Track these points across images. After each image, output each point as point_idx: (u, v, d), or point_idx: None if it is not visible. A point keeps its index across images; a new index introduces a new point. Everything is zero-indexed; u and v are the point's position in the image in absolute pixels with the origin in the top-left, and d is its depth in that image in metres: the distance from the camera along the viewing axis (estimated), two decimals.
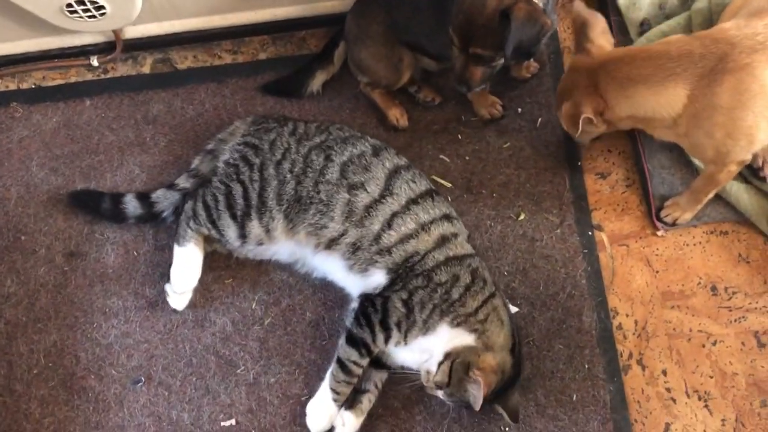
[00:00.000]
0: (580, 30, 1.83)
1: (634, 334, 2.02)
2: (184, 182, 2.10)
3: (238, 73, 2.30)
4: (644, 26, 2.23)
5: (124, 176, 2.23)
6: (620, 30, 2.27)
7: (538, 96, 2.24)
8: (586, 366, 1.98)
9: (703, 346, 2.00)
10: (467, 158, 2.16)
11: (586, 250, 2.09)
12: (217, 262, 2.11)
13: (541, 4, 1.75)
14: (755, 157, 2.05)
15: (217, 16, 2.27)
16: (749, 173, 2.08)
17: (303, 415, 1.92)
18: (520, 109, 2.23)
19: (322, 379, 1.93)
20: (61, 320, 2.08)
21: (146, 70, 2.36)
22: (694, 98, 1.62)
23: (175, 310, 2.06)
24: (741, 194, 2.06)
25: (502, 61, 1.83)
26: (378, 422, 1.94)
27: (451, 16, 1.79)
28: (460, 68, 1.87)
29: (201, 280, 2.04)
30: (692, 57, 1.64)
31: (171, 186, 2.11)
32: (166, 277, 2.05)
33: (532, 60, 2.21)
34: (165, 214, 2.11)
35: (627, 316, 2.04)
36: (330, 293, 2.07)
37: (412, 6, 2.03)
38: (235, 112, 2.27)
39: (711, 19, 2.07)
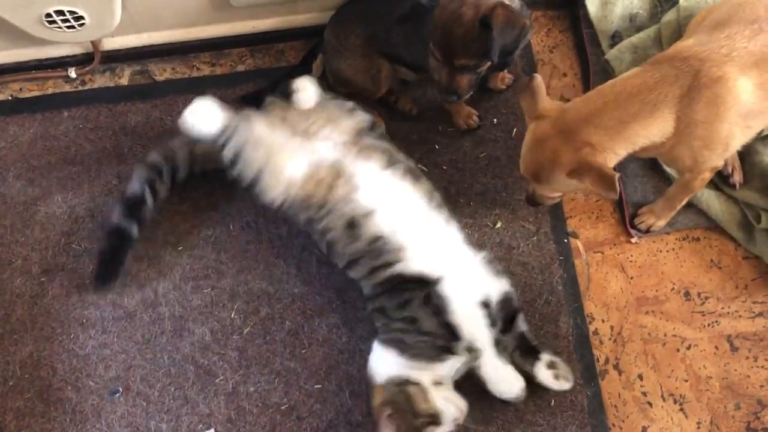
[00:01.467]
0: (529, 99, 1.76)
1: (610, 339, 2.05)
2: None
3: (216, 85, 2.30)
4: (616, 39, 2.28)
5: (102, 187, 2.22)
6: (592, 42, 2.31)
7: (513, 107, 2.27)
8: None
9: (678, 350, 2.03)
10: (444, 167, 2.19)
11: (562, 257, 2.12)
12: (195, 271, 2.11)
13: (515, 5, 1.80)
14: (725, 164, 2.10)
15: (195, 28, 2.28)
16: (720, 180, 2.13)
17: (283, 424, 1.93)
18: (495, 120, 2.26)
19: (301, 387, 1.95)
20: (37, 331, 2.07)
21: (124, 81, 2.37)
22: (680, 119, 1.64)
23: (153, 321, 2.06)
24: (712, 201, 2.11)
25: (487, 65, 1.85)
26: None
27: (428, 31, 1.82)
28: (446, 79, 1.88)
29: (180, 289, 2.04)
30: (669, 81, 1.65)
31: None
32: (144, 287, 2.08)
33: (506, 71, 2.26)
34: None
35: (603, 321, 2.07)
36: (309, 302, 2.08)
37: (389, 17, 2.05)
38: None
39: (679, 31, 2.12)
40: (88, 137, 2.29)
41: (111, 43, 2.30)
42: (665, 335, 2.05)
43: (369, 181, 1.83)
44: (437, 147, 2.22)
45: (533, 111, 1.75)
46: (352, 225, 1.82)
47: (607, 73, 2.25)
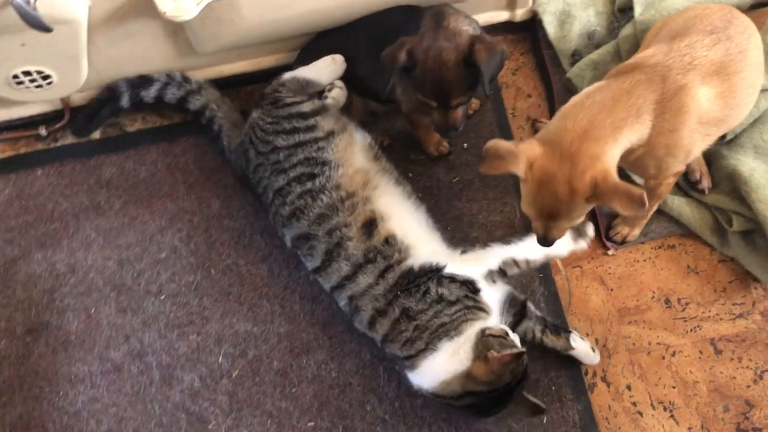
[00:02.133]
0: (499, 162, 1.63)
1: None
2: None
3: (188, 132, 2.33)
4: (575, 56, 2.33)
5: (81, 241, 2.23)
6: (553, 62, 2.36)
7: (481, 131, 2.31)
8: (553, 388, 2.01)
9: (663, 357, 2.06)
10: (419, 195, 2.19)
11: (541, 275, 2.14)
12: (180, 318, 2.12)
13: (479, 32, 1.87)
14: (693, 170, 2.14)
15: None
16: (688, 187, 2.17)
17: None
18: (465, 145, 2.29)
19: (294, 426, 1.96)
20: (26, 392, 2.06)
21: (96, 135, 2.38)
22: (653, 126, 1.66)
23: (141, 372, 2.06)
24: (683, 208, 2.15)
25: (475, 91, 1.92)
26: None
27: (414, 85, 1.88)
28: (443, 119, 1.94)
29: (165, 338, 2.06)
30: (644, 85, 1.67)
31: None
32: (129, 339, 2.07)
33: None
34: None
35: (587, 335, 2.09)
36: (296, 340, 2.09)
37: (354, 51, 2.10)
38: (188, 170, 2.30)
39: (637, 44, 2.16)
40: (64, 193, 2.30)
41: (80, 98, 2.32)
42: (649, 344, 2.07)
43: (387, 188, 1.99)
44: (411, 175, 2.25)
45: (515, 165, 1.61)
46: (370, 224, 1.90)
47: (570, 91, 2.29)
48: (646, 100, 1.65)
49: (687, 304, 2.11)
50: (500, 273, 1.93)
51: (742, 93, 1.76)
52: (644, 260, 2.16)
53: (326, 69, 2.11)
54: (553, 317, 2.08)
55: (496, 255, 1.93)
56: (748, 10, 2.21)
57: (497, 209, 2.22)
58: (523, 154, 1.60)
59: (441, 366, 1.81)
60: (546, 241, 1.76)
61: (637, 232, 2.15)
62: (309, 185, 1.95)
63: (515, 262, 1.94)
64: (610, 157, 1.62)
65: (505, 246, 1.96)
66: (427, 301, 1.85)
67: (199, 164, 2.31)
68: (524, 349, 1.74)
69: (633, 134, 1.65)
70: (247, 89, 2.41)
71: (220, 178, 2.28)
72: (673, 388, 2.02)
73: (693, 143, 1.75)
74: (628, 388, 2.03)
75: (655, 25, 2.01)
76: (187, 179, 2.29)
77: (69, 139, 2.38)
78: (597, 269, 2.16)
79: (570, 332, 1.99)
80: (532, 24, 2.42)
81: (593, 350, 2.01)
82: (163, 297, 2.15)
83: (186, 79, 2.27)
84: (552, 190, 1.60)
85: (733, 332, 2.07)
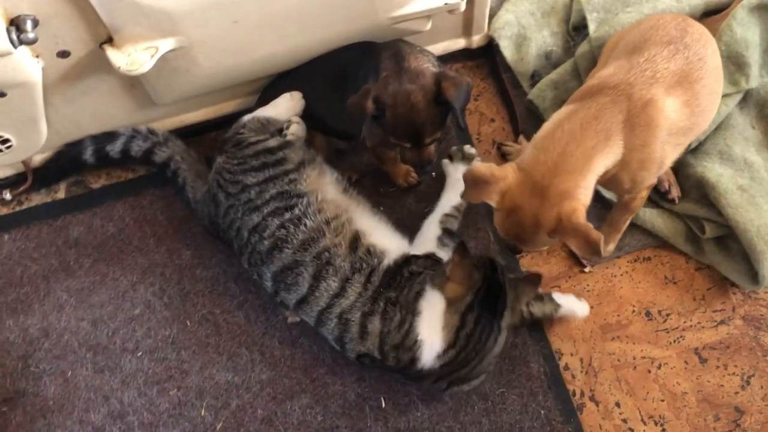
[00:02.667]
0: (480, 188, 1.69)
1: (581, 371, 2.05)
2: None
3: (153, 184, 2.30)
4: (535, 78, 2.34)
5: (53, 304, 2.19)
6: (514, 85, 2.37)
7: None
8: (542, 411, 1.99)
9: (649, 371, 2.04)
10: (392, 226, 2.19)
11: None
12: (158, 374, 2.08)
13: (439, 68, 1.89)
14: (661, 181, 2.15)
15: None
16: (658, 198, 2.18)
17: None
18: (434, 174, 2.29)
19: None
20: None
21: (61, 195, 2.35)
22: (625, 144, 1.67)
23: None
24: (655, 219, 2.15)
25: (445, 126, 1.95)
26: None
27: (386, 129, 1.89)
28: (416, 157, 1.96)
29: (145, 395, 2.02)
30: (609, 107, 1.67)
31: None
32: (109, 399, 2.02)
33: None
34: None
35: (572, 355, 2.07)
36: (278, 386, 2.05)
37: (312, 91, 2.10)
38: (156, 222, 2.28)
39: (594, 61, 2.18)
40: (32, 256, 2.26)
41: (42, 159, 2.29)
42: (634, 358, 2.06)
43: (362, 209, 2.05)
44: (382, 208, 2.23)
45: (489, 195, 1.67)
46: (356, 239, 1.95)
47: (532, 112, 2.30)
48: (613, 122, 1.66)
49: (668, 315, 2.10)
50: (446, 233, 2.05)
51: (705, 99, 1.78)
52: (621, 275, 2.16)
53: (284, 106, 2.12)
54: (535, 339, 2.07)
55: (432, 223, 2.09)
56: (701, 18, 2.23)
57: (471, 235, 2.21)
58: (497, 185, 1.66)
59: (431, 319, 1.83)
60: (511, 250, 1.94)
61: (611, 247, 2.14)
62: (288, 215, 1.94)
63: (448, 216, 2.10)
64: (583, 190, 1.65)
65: (432, 214, 2.12)
66: (403, 283, 1.90)
67: (167, 215, 2.29)
68: (459, 240, 1.87)
69: (606, 159, 1.67)
70: (210, 136, 2.39)
71: (190, 227, 2.26)
72: (662, 401, 2.00)
73: (665, 155, 1.77)
74: (617, 405, 2.01)
75: (611, 40, 2.03)
76: (156, 231, 2.27)
77: (34, 201, 2.34)
78: (575, 288, 2.15)
79: (549, 294, 2.07)
80: (490, 49, 2.43)
81: (579, 299, 2.08)
82: (140, 354, 2.11)
83: (152, 131, 2.26)
84: (519, 220, 1.66)
85: (717, 339, 2.07)
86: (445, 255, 1.99)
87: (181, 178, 2.20)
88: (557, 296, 2.06)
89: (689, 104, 1.74)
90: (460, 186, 1.95)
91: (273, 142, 2.04)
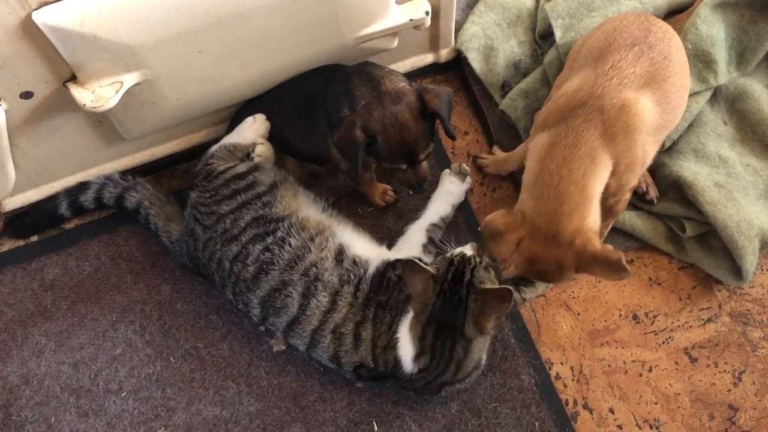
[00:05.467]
0: (494, 236, 1.72)
1: (573, 380, 2.03)
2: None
3: (128, 220, 2.26)
4: (505, 88, 2.34)
5: (32, 349, 2.14)
6: (485, 96, 2.37)
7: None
8: (536, 423, 1.97)
9: (641, 375, 2.03)
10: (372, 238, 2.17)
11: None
12: (144, 414, 2.03)
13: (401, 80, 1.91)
14: (639, 183, 2.14)
15: (95, 169, 2.25)
16: (637, 199, 2.18)
17: None
18: (410, 192, 2.27)
19: None
20: None
21: (34, 237, 2.30)
22: (612, 154, 1.68)
23: None
24: (635, 221, 2.15)
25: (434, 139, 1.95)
26: None
27: (379, 155, 1.88)
28: (412, 177, 1.96)
29: None
30: (584, 129, 1.67)
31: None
32: None
33: None
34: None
35: (562, 364, 2.05)
36: (267, 417, 2.01)
37: (282, 116, 2.08)
38: (133, 258, 2.24)
39: (563, 66, 2.18)
40: (8, 302, 2.21)
41: (12, 203, 2.25)
42: (625, 363, 2.04)
43: (343, 225, 2.05)
44: (362, 230, 2.21)
45: (508, 243, 1.70)
46: (341, 252, 1.95)
47: (505, 122, 2.30)
48: (593, 141, 1.67)
49: (655, 316, 2.09)
50: (431, 242, 2.08)
51: (675, 96, 1.79)
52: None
53: (248, 129, 2.11)
54: (524, 350, 2.05)
55: (418, 230, 2.11)
56: (665, 17, 2.24)
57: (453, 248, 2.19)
58: (511, 235, 1.69)
59: (409, 323, 1.84)
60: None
61: None
62: (270, 239, 1.92)
63: (435, 226, 2.11)
64: (591, 222, 1.67)
65: (419, 220, 2.14)
66: (391, 286, 1.91)
67: (143, 251, 2.25)
68: (409, 259, 1.80)
69: (600, 177, 1.68)
70: (182, 167, 2.36)
71: (167, 261, 2.22)
72: (656, 404, 1.99)
73: (647, 154, 1.78)
74: (611, 411, 1.99)
75: (576, 44, 2.04)
76: (133, 268, 2.23)
77: (6, 246, 2.29)
78: (560, 295, 2.13)
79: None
80: (458, 62, 2.42)
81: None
82: (124, 394, 2.07)
83: (122, 177, 2.23)
84: (542, 268, 1.70)
85: (705, 338, 2.06)
86: (428, 260, 2.00)
87: (152, 225, 2.17)
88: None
89: (660, 103, 1.74)
90: (451, 198, 2.17)
91: (242, 168, 2.02)
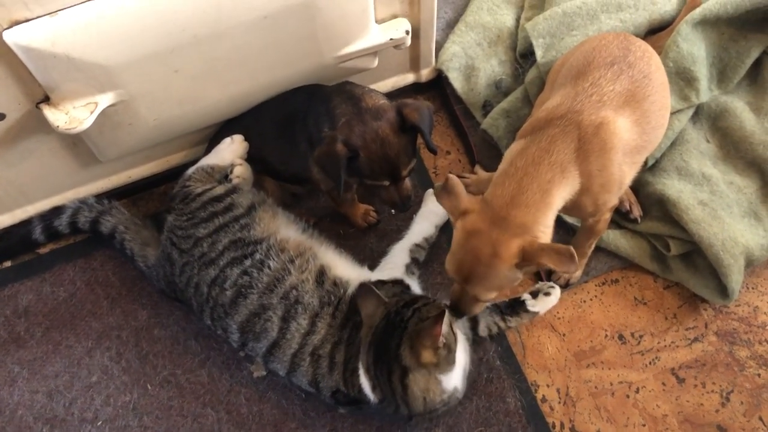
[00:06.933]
0: (450, 199, 1.67)
1: (559, 402, 1.99)
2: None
3: (103, 244, 2.21)
4: (487, 107, 2.32)
5: (4, 378, 2.08)
6: (466, 116, 2.35)
7: None
8: None
9: (627, 396, 1.99)
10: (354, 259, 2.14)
11: None
12: None
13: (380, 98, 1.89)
14: (622, 201, 2.13)
15: (70, 192, 2.21)
16: (621, 218, 2.16)
17: None
18: (393, 211, 2.24)
19: None
20: None
21: (7, 263, 2.25)
22: (582, 173, 1.65)
23: None
24: (619, 240, 2.12)
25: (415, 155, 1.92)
26: None
27: (361, 173, 1.85)
28: (396, 194, 1.93)
29: None
30: (560, 139, 1.65)
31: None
32: None
33: None
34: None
35: (548, 386, 2.02)
36: None
37: (261, 137, 2.05)
38: (109, 283, 2.19)
39: (543, 86, 2.17)
40: None
41: None
42: (611, 384, 2.01)
43: (325, 247, 2.00)
44: (343, 251, 2.17)
45: (456, 209, 1.65)
46: (321, 274, 1.90)
47: (487, 142, 2.28)
48: (566, 153, 1.64)
49: (641, 336, 2.07)
50: (414, 263, 2.04)
51: (655, 116, 1.76)
52: (591, 299, 2.12)
53: (226, 150, 2.08)
54: (510, 373, 2.01)
55: (401, 250, 2.06)
56: (645, 36, 2.24)
57: (436, 270, 2.16)
58: (463, 204, 1.64)
59: None
60: (458, 309, 1.75)
61: (578, 273, 2.11)
62: (248, 262, 1.88)
63: (418, 246, 2.07)
64: (542, 227, 1.62)
65: (402, 240, 2.09)
66: None
67: (119, 276, 2.21)
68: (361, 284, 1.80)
69: (564, 191, 1.64)
70: (159, 190, 2.32)
71: (144, 286, 2.17)
72: (644, 425, 1.95)
73: (624, 174, 1.74)
74: None
75: (556, 63, 2.03)
76: (109, 293, 2.18)
77: None
78: (546, 316, 2.10)
79: (523, 302, 2.04)
80: (439, 82, 2.41)
81: (549, 291, 2.04)
82: (100, 423, 2.01)
83: (98, 201, 2.19)
84: (476, 245, 1.60)
85: (692, 358, 2.03)
86: (412, 282, 1.97)
87: (128, 249, 2.13)
88: (531, 304, 2.02)
89: (639, 123, 1.72)
90: (434, 218, 2.12)
91: (219, 190, 1.99)
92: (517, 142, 1.74)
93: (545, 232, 1.62)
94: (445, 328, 1.60)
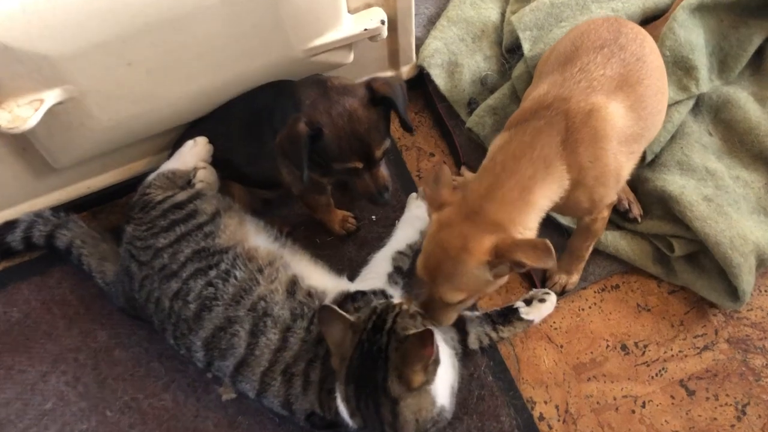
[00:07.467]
0: (434, 188, 1.55)
1: (558, 420, 1.82)
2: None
3: (60, 260, 2.05)
4: (472, 105, 2.18)
5: None
6: (450, 115, 2.21)
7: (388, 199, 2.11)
8: None
9: (633, 411, 1.82)
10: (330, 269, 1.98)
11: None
12: None
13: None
14: (620, 200, 1.98)
15: (22, 205, 2.04)
16: (619, 219, 2.01)
17: None
18: (374, 217, 2.11)
19: None
20: None
21: None
22: (570, 166, 1.50)
23: None
24: (618, 242, 1.97)
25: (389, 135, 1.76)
26: None
27: (328, 155, 1.69)
28: (371, 182, 1.75)
29: None
30: (544, 132, 1.51)
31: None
32: None
33: None
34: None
35: (546, 403, 1.85)
36: None
37: (227, 139, 1.91)
38: (66, 302, 2.03)
39: (531, 81, 2.03)
40: None
41: None
42: (615, 399, 1.84)
43: (299, 256, 1.85)
44: (320, 260, 2.00)
45: (436, 201, 1.53)
46: (293, 284, 1.74)
47: (473, 141, 2.14)
48: (551, 147, 1.50)
49: (646, 346, 1.90)
50: (398, 271, 1.85)
51: (651, 101, 1.63)
52: (589, 307, 1.96)
53: (189, 153, 1.94)
54: (503, 389, 1.84)
55: (384, 258, 1.88)
56: (641, 25, 2.10)
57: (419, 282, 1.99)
58: (443, 196, 1.52)
59: None
60: (427, 310, 1.58)
61: (576, 278, 1.95)
62: (213, 273, 1.72)
63: (401, 254, 1.89)
64: (522, 228, 1.48)
65: (384, 248, 1.92)
66: None
67: (77, 294, 2.04)
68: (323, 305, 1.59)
69: (549, 190, 1.50)
70: (122, 201, 2.17)
71: (104, 304, 2.01)
72: None
73: (620, 166, 1.59)
74: None
75: (544, 55, 1.89)
76: (66, 313, 2.01)
77: None
78: (541, 327, 1.94)
79: (516, 309, 1.86)
80: (421, 80, 2.27)
81: (543, 297, 1.88)
82: None
83: (54, 214, 2.04)
84: (445, 238, 1.46)
85: (702, 368, 1.86)
86: (396, 292, 1.79)
87: (86, 265, 1.97)
88: (524, 311, 1.85)
89: (634, 108, 1.59)
90: (419, 223, 1.93)
91: (182, 196, 1.84)
92: (501, 135, 1.60)
93: (524, 234, 1.48)
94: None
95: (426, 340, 1.41)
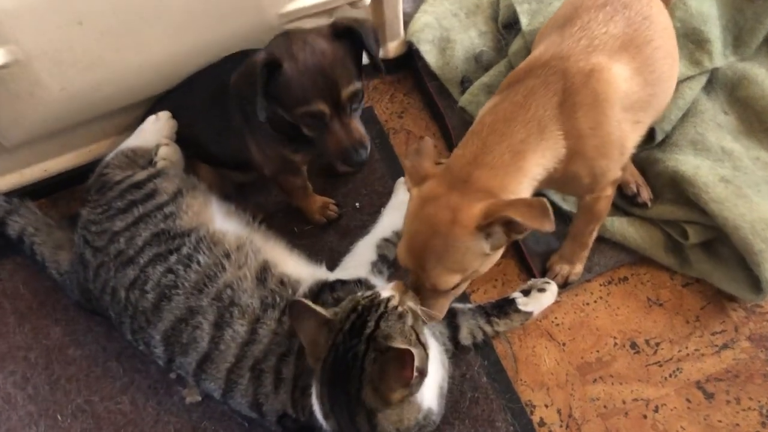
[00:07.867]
0: (415, 162, 1.41)
1: (561, 426, 1.65)
2: None
3: (13, 250, 1.89)
4: (465, 84, 2.04)
5: None
6: (441, 94, 2.06)
7: (373, 185, 1.97)
8: None
9: (645, 416, 1.65)
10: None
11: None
12: None
13: None
14: (627, 183, 1.82)
15: None
16: (627, 204, 1.86)
17: None
18: (357, 204, 1.96)
19: None
20: None
21: None
22: (568, 133, 1.36)
23: None
24: (626, 229, 1.80)
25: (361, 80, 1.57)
26: None
27: (291, 99, 1.51)
28: (344, 135, 1.55)
29: None
30: (540, 91, 1.37)
31: None
32: None
33: None
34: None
35: (546, 406, 1.68)
36: None
37: (191, 112, 1.76)
38: (18, 296, 1.86)
39: None
40: None
41: None
42: (624, 402, 1.66)
43: (269, 242, 1.70)
44: (297, 251, 1.83)
45: (417, 174, 1.38)
46: (264, 270, 1.59)
47: (466, 122, 1.98)
48: (546, 109, 1.35)
49: (658, 344, 1.73)
50: (382, 260, 1.71)
51: (660, 64, 1.49)
52: (595, 301, 1.80)
53: (150, 130, 1.80)
54: (499, 391, 1.66)
55: (367, 246, 1.75)
56: None
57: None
58: (425, 170, 1.38)
59: None
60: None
61: (579, 268, 1.78)
62: (174, 258, 1.57)
63: (387, 241, 1.75)
64: (513, 195, 1.32)
65: (368, 235, 1.79)
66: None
67: (31, 287, 1.88)
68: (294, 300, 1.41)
69: (542, 157, 1.35)
70: (82, 187, 1.97)
71: (59, 298, 1.85)
72: None
73: (624, 135, 1.44)
74: None
75: (543, 26, 1.72)
76: (17, 308, 1.86)
77: None
78: (541, 323, 1.78)
79: (513, 300, 1.73)
80: (410, 58, 2.13)
81: (543, 286, 1.73)
82: None
83: (6, 198, 1.87)
84: (431, 213, 1.30)
85: (722, 368, 1.69)
86: (379, 282, 1.64)
87: (39, 255, 1.82)
88: (522, 302, 1.71)
89: (641, 71, 1.44)
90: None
91: (141, 175, 1.69)
92: (492, 98, 1.45)
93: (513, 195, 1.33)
94: (416, 361, 1.24)
95: (404, 360, 1.22)
